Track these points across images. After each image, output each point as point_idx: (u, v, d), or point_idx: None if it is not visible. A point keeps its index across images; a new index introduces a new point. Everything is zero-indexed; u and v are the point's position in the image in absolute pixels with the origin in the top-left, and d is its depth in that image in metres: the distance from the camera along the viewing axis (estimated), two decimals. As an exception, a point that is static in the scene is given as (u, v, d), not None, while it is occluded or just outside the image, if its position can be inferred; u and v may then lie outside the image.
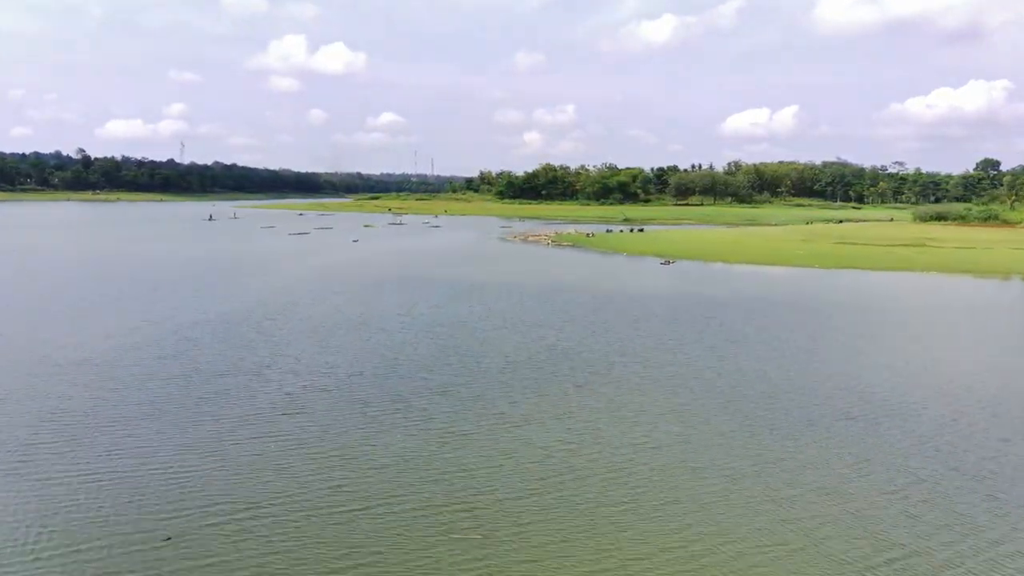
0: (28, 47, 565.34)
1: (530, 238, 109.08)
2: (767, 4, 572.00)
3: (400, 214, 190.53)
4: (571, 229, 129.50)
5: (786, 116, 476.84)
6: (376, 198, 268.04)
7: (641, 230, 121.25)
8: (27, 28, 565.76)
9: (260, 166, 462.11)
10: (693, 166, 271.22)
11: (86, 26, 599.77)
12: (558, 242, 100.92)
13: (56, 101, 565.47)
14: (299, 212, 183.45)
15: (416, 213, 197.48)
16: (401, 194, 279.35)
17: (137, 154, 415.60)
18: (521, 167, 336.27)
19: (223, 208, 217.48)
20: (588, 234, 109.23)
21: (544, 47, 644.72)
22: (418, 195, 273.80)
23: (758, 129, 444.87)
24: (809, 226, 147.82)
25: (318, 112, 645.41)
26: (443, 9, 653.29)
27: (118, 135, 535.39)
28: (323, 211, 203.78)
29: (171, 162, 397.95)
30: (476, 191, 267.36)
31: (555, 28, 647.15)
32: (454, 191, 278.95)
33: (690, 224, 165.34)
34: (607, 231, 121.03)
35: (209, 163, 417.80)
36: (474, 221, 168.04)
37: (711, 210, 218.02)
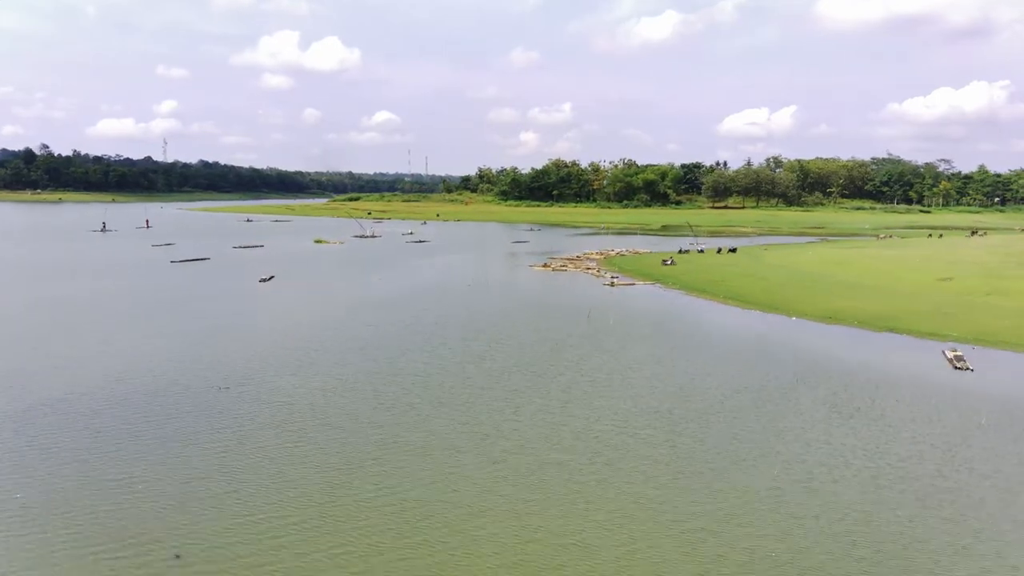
0: (21, 46, 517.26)
1: (570, 266, 64.61)
2: (767, 1, 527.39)
3: (380, 220, 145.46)
4: (621, 248, 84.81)
5: (784, 116, 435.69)
6: (356, 198, 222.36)
7: (732, 250, 76.64)
8: (22, 27, 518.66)
9: (257, 165, 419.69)
10: (718, 163, 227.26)
11: (81, 25, 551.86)
12: (627, 276, 56.50)
13: (45, 99, 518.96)
14: (247, 218, 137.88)
15: (401, 218, 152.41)
16: (386, 195, 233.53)
17: (128, 153, 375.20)
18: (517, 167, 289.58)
19: (168, 212, 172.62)
20: (666, 261, 64.62)
21: (540, 45, 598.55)
22: (405, 196, 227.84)
23: (756, 128, 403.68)
24: (940, 239, 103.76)
25: (312, 111, 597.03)
26: (438, 6, 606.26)
27: (109, 134, 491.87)
28: (285, 215, 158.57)
29: (148, 159, 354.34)
30: (474, 191, 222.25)
31: (551, 26, 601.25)
32: (448, 191, 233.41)
33: (757, 235, 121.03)
34: (681, 251, 76.50)
35: (193, 161, 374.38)
36: (474, 230, 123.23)
37: (762, 214, 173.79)
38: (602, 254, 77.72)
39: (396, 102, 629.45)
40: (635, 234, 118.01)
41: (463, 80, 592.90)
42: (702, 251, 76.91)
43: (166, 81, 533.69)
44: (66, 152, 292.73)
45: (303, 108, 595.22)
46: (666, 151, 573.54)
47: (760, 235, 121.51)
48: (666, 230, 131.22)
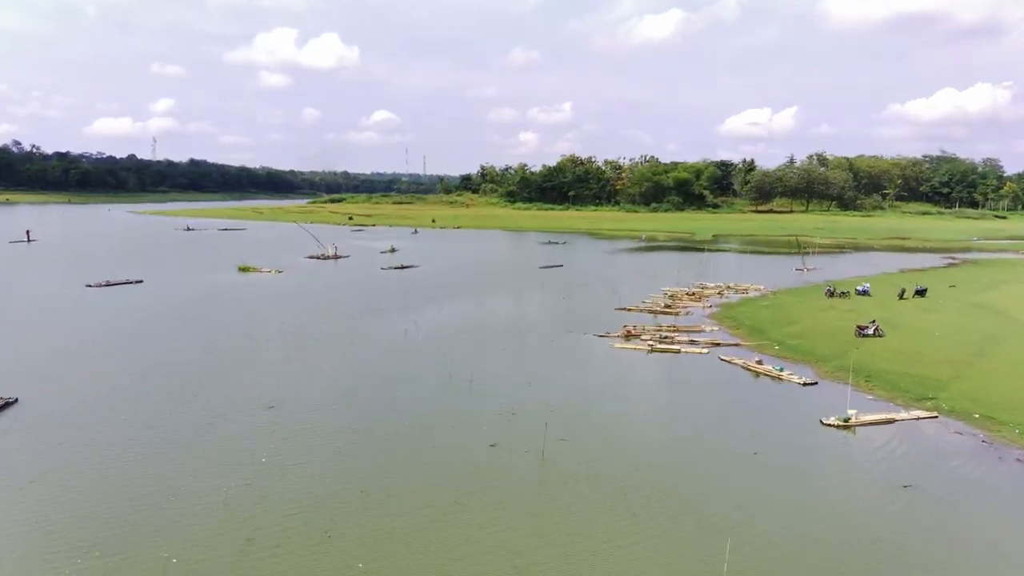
0: (20, 45, 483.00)
1: (676, 336, 32.75)
2: (771, 1, 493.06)
3: (361, 227, 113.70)
4: (713, 280, 52.42)
5: (786, 116, 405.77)
6: (339, 200, 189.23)
7: (921, 292, 44.51)
8: (21, 27, 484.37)
9: (255, 165, 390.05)
10: (744, 160, 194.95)
11: (80, 25, 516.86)
12: (824, 373, 24.89)
13: (41, 98, 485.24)
14: (186, 225, 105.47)
15: (389, 224, 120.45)
16: (374, 196, 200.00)
17: (126, 152, 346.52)
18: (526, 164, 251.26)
19: (115, 214, 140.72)
20: (865, 328, 32.57)
21: (540, 44, 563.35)
22: (397, 197, 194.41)
23: (757, 129, 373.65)
24: None
25: (311, 110, 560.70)
26: (438, 5, 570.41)
27: (106, 133, 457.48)
28: (247, 220, 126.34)
29: (131, 158, 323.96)
30: (475, 191, 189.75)
31: (551, 25, 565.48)
32: (447, 191, 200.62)
33: (846, 249, 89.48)
34: (832, 293, 44.53)
35: (185, 160, 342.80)
36: (479, 242, 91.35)
37: (818, 219, 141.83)
38: (696, 295, 45.91)
39: (395, 101, 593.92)
40: (687, 249, 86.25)
41: (463, 79, 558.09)
42: (864, 291, 45.10)
43: (163, 80, 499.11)
44: (15, 147, 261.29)
45: (301, 107, 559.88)
46: (666, 151, 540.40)
47: (848, 249, 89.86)
48: (717, 241, 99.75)
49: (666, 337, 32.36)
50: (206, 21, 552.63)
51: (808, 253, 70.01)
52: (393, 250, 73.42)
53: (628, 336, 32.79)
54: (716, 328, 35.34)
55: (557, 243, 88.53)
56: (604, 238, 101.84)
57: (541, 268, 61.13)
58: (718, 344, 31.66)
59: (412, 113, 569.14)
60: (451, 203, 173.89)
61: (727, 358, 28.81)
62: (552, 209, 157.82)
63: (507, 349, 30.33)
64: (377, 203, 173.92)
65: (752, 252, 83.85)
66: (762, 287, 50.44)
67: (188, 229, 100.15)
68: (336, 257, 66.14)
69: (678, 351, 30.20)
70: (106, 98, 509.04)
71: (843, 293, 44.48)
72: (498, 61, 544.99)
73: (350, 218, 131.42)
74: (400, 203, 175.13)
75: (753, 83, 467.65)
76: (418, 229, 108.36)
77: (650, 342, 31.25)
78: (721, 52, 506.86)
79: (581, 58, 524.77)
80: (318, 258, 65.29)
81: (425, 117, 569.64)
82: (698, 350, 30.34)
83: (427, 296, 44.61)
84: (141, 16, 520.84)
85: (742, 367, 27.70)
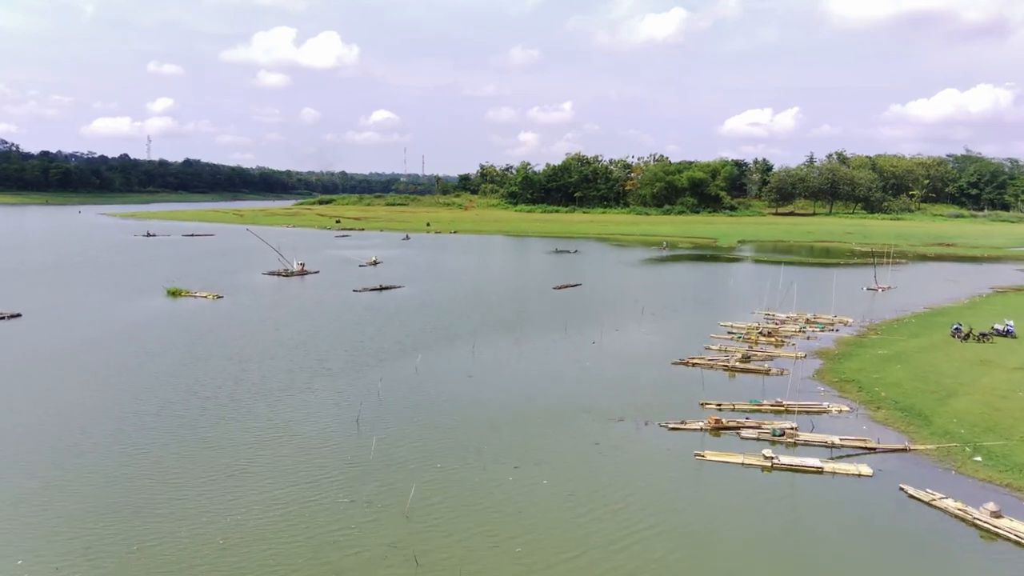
0: (17, 44, 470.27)
1: (802, 439, 19.99)
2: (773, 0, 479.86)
3: (346, 232, 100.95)
4: (781, 305, 39.35)
5: (787, 116, 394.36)
6: (328, 201, 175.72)
7: (1090, 333, 31.85)
8: (17, 25, 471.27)
9: (253, 165, 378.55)
10: (756, 160, 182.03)
11: (78, 23, 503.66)
12: None
13: (38, 97, 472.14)
14: (147, 231, 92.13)
15: (380, 228, 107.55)
16: (366, 197, 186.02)
17: (118, 152, 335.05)
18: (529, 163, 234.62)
19: (84, 217, 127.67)
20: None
21: (540, 44, 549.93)
22: (390, 198, 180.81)
23: (758, 129, 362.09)
24: None
25: (309, 110, 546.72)
26: (437, 4, 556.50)
27: (104, 132, 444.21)
28: (226, 222, 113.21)
29: (124, 157, 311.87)
30: (475, 192, 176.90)
31: (552, 24, 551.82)
32: (444, 192, 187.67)
33: (899, 260, 76.58)
34: (964, 334, 31.69)
35: (180, 160, 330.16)
36: (479, 252, 78.40)
37: (847, 223, 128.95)
38: (774, 337, 33.02)
39: (394, 101, 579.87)
40: (715, 259, 73.59)
41: (462, 79, 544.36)
42: (1007, 331, 32.26)
43: (161, 79, 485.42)
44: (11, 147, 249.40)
45: (300, 107, 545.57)
46: (666, 152, 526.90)
47: (899, 260, 76.91)
48: (744, 248, 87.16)
49: (782, 433, 19.49)
50: (203, 20, 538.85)
51: (880, 265, 57.10)
52: (376, 263, 60.62)
53: (717, 428, 19.97)
54: (845, 407, 22.45)
55: (568, 252, 75.73)
56: (617, 244, 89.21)
57: (555, 289, 48.30)
58: (872, 449, 18.77)
59: (411, 113, 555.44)
60: (448, 205, 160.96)
61: (919, 495, 15.90)
62: (557, 211, 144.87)
63: (521, 468, 17.40)
64: (369, 205, 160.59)
65: (793, 263, 70.94)
66: (850, 319, 37.62)
67: (148, 235, 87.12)
68: (303, 273, 53.22)
69: (820, 471, 17.31)
70: (104, 97, 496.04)
71: (983, 335, 31.58)
72: (498, 61, 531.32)
73: (337, 221, 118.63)
74: (393, 205, 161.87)
75: (754, 83, 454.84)
76: (410, 235, 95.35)
77: (764, 450, 18.36)
78: (722, 52, 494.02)
79: (581, 57, 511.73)
80: (279, 275, 52.39)
81: (424, 117, 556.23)
82: (854, 469, 17.41)
83: (402, 342, 31.62)
84: (138, 15, 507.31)
85: (957, 516, 14.85)
